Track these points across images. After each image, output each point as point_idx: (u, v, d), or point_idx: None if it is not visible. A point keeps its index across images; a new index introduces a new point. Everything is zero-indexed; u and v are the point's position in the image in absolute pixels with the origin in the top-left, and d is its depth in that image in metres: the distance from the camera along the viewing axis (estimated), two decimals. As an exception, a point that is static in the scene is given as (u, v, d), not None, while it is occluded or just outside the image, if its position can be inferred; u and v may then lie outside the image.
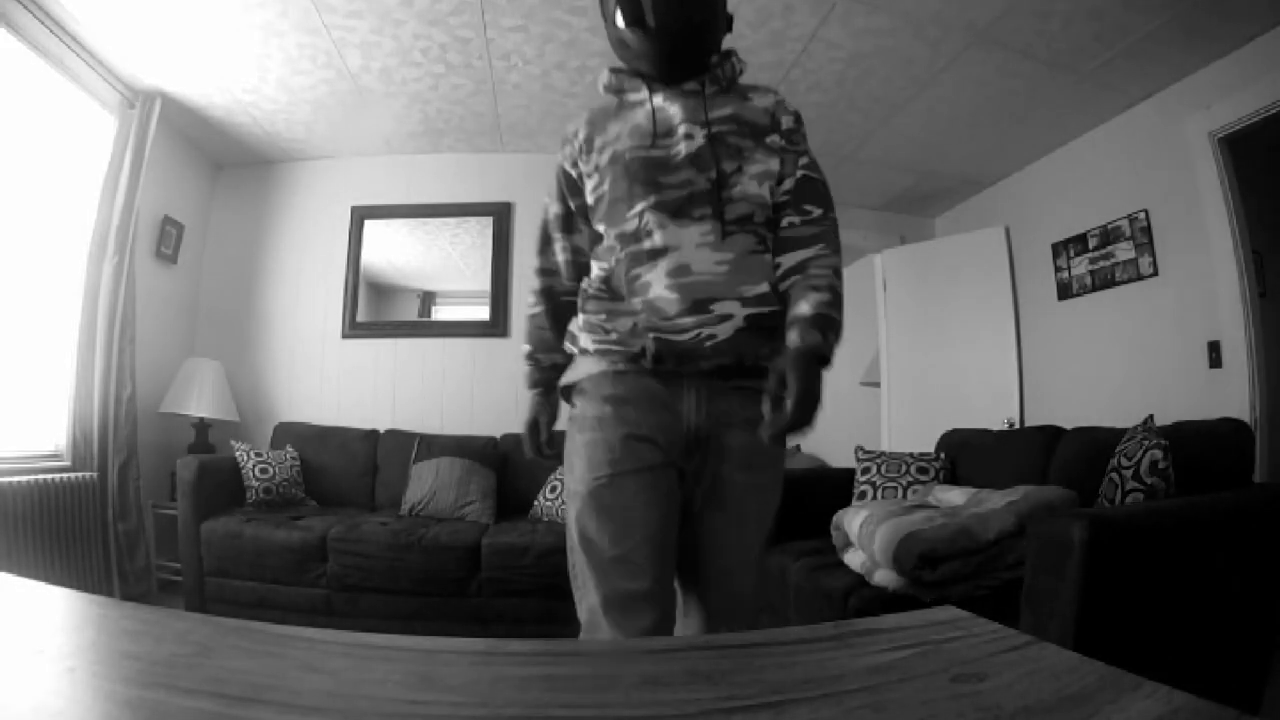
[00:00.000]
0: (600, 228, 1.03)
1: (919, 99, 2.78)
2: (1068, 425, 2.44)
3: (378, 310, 3.51)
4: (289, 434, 3.13)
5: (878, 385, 4.00)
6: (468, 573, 2.40)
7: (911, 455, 2.85)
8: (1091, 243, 2.97)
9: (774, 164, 1.00)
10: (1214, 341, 2.44)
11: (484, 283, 3.43)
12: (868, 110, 2.90)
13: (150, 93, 2.80)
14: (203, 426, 3.07)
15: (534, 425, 1.15)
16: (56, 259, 2.59)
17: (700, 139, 0.97)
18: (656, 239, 0.96)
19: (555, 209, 1.10)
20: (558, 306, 1.13)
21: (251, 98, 2.91)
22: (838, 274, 0.98)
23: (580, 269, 1.10)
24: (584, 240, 1.09)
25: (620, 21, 0.93)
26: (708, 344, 0.93)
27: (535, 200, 3.44)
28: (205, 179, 3.48)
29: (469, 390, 3.34)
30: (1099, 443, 2.05)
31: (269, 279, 3.49)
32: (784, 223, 1.00)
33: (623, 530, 0.90)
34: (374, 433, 3.16)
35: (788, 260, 0.98)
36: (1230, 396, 2.34)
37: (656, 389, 0.96)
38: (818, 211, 1.01)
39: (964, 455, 2.78)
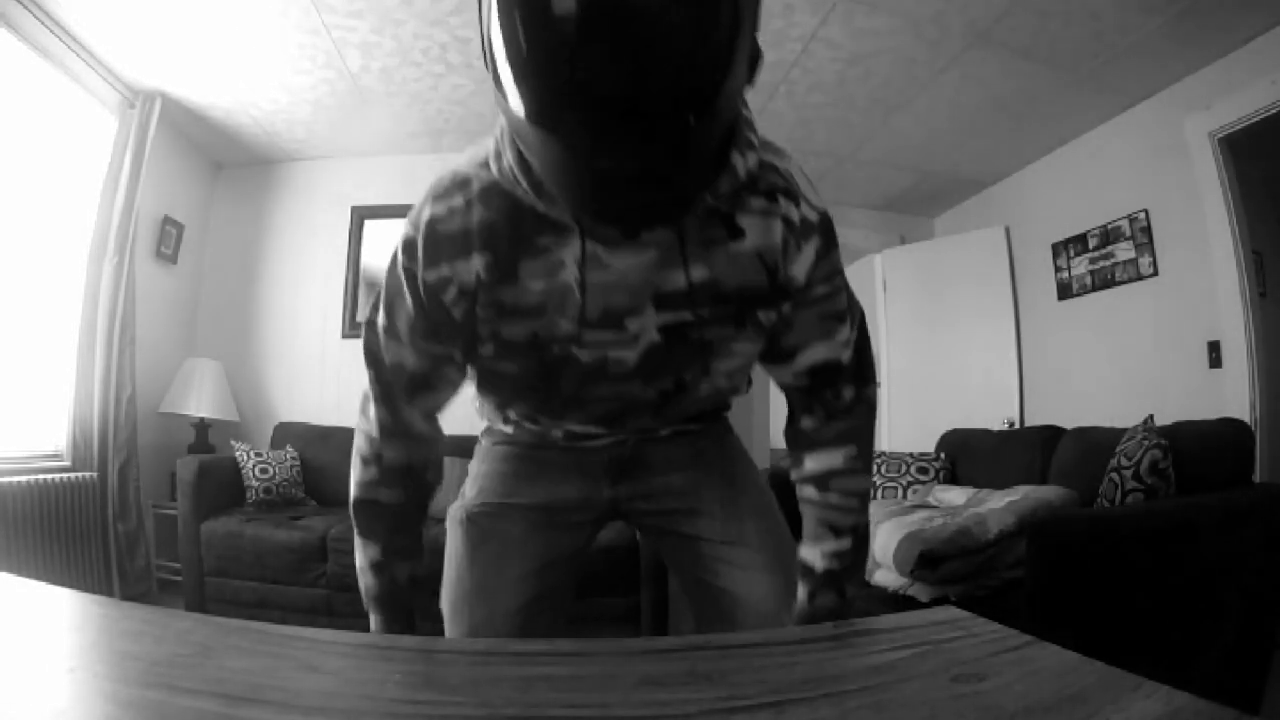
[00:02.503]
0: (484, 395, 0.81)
1: (919, 99, 2.78)
2: (1068, 425, 2.44)
3: (378, 310, 3.50)
4: (289, 434, 3.13)
5: (877, 385, 4.00)
6: (468, 573, 2.40)
7: (911, 455, 2.85)
8: (1091, 243, 2.97)
9: (760, 338, 0.68)
10: (1214, 341, 2.43)
11: (484, 283, 3.43)
12: (868, 110, 2.90)
13: (150, 93, 2.80)
14: (203, 426, 3.07)
15: None
16: (56, 259, 2.59)
17: (654, 335, 0.65)
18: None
19: (410, 361, 0.69)
20: (422, 488, 0.78)
21: (251, 98, 2.91)
22: (866, 499, 0.75)
23: (436, 423, 0.79)
24: (446, 397, 0.76)
25: (518, 109, 0.45)
26: (624, 445, 0.83)
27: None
28: (205, 179, 3.48)
29: (468, 390, 3.34)
30: (1099, 443, 2.05)
31: (269, 279, 3.48)
32: (803, 423, 0.75)
33: (498, 559, 0.81)
34: (374, 433, 3.15)
35: (807, 462, 0.75)
36: (1230, 396, 2.34)
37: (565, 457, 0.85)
38: (849, 394, 0.73)
39: (964, 455, 2.78)
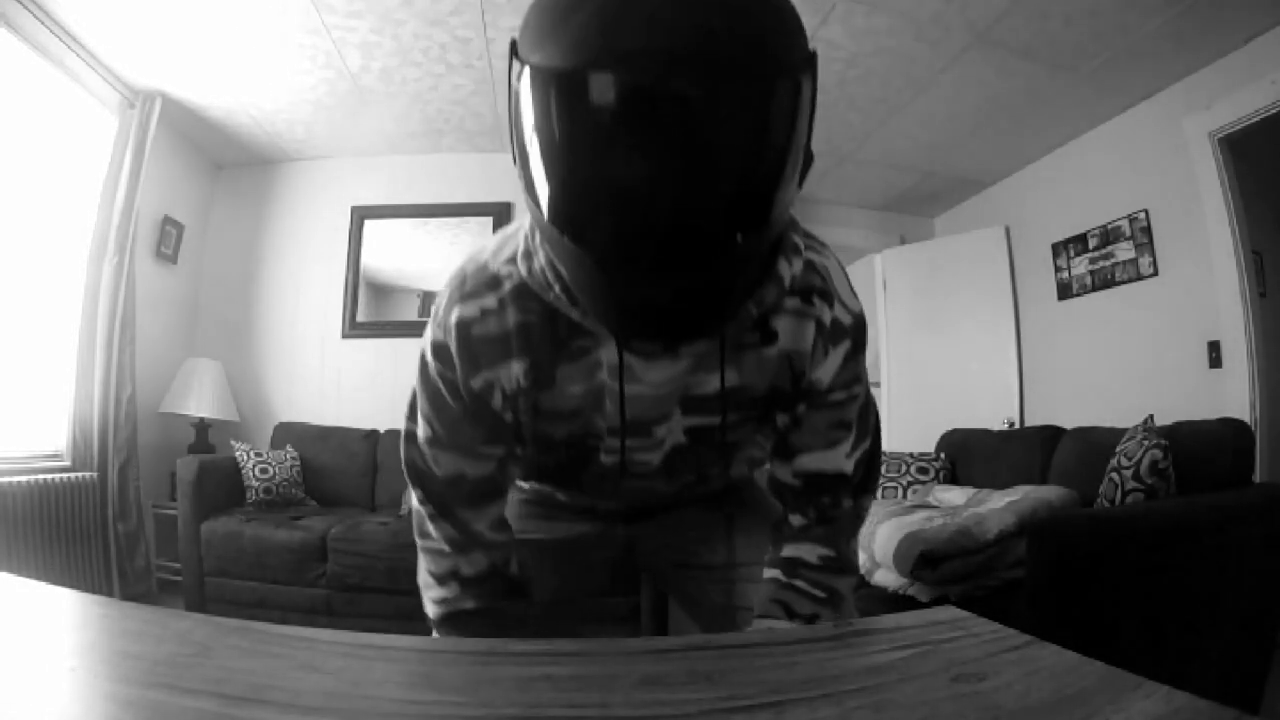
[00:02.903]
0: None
1: (919, 99, 2.78)
2: (1068, 425, 2.44)
3: (378, 310, 3.50)
4: (289, 434, 3.13)
5: (877, 385, 4.00)
6: (468, 573, 2.40)
7: (911, 455, 2.85)
8: (1091, 243, 2.97)
9: (774, 435, 0.67)
10: (1214, 341, 2.43)
11: (484, 283, 3.43)
12: (868, 110, 2.90)
13: (150, 93, 2.80)
14: (203, 426, 3.07)
15: None
16: (56, 259, 2.58)
17: (680, 437, 0.63)
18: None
19: (472, 469, 0.65)
20: (512, 582, 0.73)
21: (251, 98, 2.91)
22: (835, 598, 0.66)
23: (506, 525, 0.74)
24: (507, 495, 0.73)
25: (546, 214, 0.43)
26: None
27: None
28: (205, 179, 3.48)
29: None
30: (1099, 443, 2.05)
31: (269, 279, 3.48)
32: (792, 519, 0.67)
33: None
34: (374, 433, 3.15)
35: (785, 549, 0.68)
36: (1230, 396, 2.34)
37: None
38: (846, 504, 0.67)
39: (964, 455, 2.78)
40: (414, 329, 3.46)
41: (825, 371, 0.61)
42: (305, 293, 3.45)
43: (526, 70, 0.41)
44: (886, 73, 2.60)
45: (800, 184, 0.45)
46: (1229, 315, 2.39)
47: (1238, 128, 2.36)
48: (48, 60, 2.41)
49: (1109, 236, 2.88)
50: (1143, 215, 2.72)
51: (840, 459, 0.65)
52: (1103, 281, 2.91)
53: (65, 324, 2.58)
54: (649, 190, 0.39)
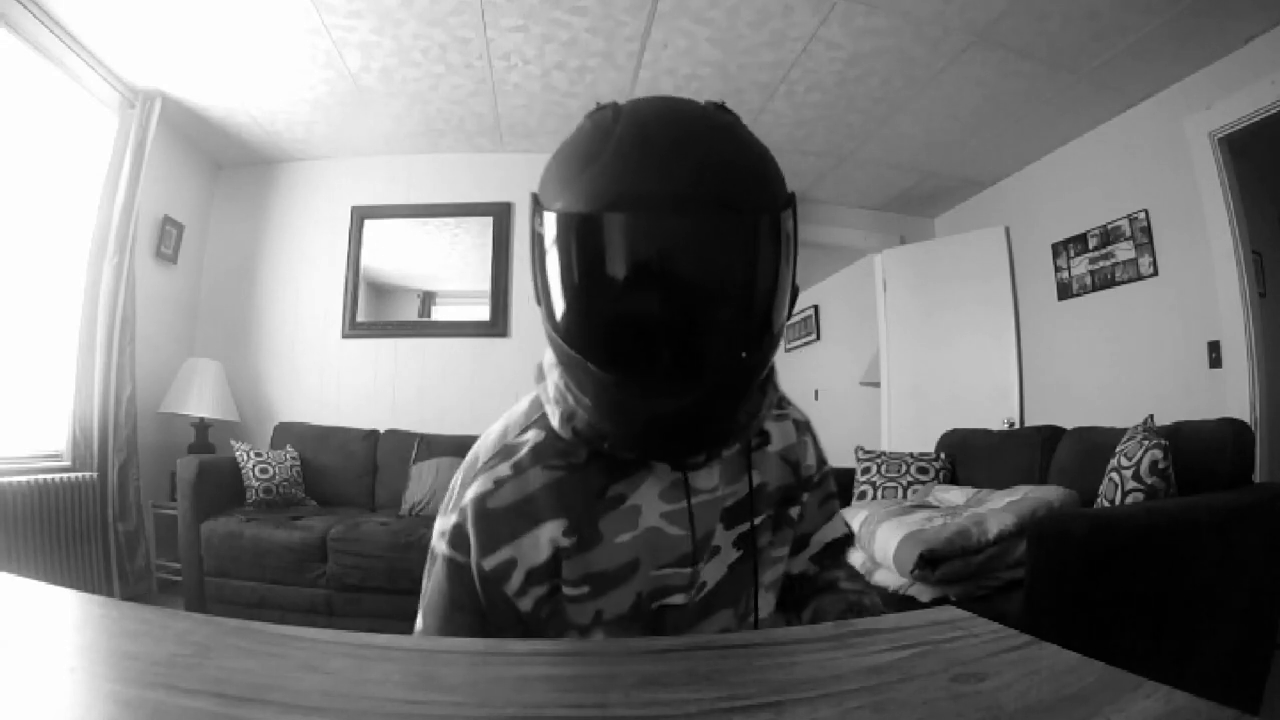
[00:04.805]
0: None
1: (919, 99, 2.78)
2: (1068, 425, 2.44)
3: (378, 310, 3.51)
4: (289, 434, 3.13)
5: (878, 385, 4.00)
6: (468, 573, 2.40)
7: (911, 455, 2.85)
8: (1091, 243, 2.97)
9: (788, 542, 0.70)
10: (1214, 341, 2.44)
11: (484, 283, 3.43)
12: (868, 110, 2.90)
13: (150, 93, 2.80)
14: (203, 426, 3.07)
15: None
16: (56, 259, 2.59)
17: (733, 554, 0.62)
18: None
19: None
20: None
21: (251, 97, 2.91)
22: (866, 593, 0.72)
23: None
24: None
25: (574, 346, 0.49)
26: None
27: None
28: (205, 179, 3.48)
29: (469, 390, 3.34)
30: (1099, 443, 2.05)
31: (269, 279, 3.48)
32: (807, 569, 0.73)
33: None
34: (374, 433, 3.16)
35: (809, 604, 0.72)
36: (1230, 396, 2.34)
37: None
38: (853, 565, 0.76)
39: (964, 455, 2.78)
40: (414, 329, 3.48)
41: (810, 460, 0.71)
42: (305, 293, 3.46)
43: (549, 216, 0.47)
44: (886, 73, 2.60)
45: (789, 314, 0.52)
46: (1229, 315, 2.39)
47: (1238, 128, 2.36)
48: (48, 60, 2.41)
49: (1109, 236, 2.88)
50: (1143, 215, 2.72)
51: (840, 524, 0.76)
52: (1103, 281, 2.91)
53: (65, 324, 2.58)
54: (665, 313, 0.46)
